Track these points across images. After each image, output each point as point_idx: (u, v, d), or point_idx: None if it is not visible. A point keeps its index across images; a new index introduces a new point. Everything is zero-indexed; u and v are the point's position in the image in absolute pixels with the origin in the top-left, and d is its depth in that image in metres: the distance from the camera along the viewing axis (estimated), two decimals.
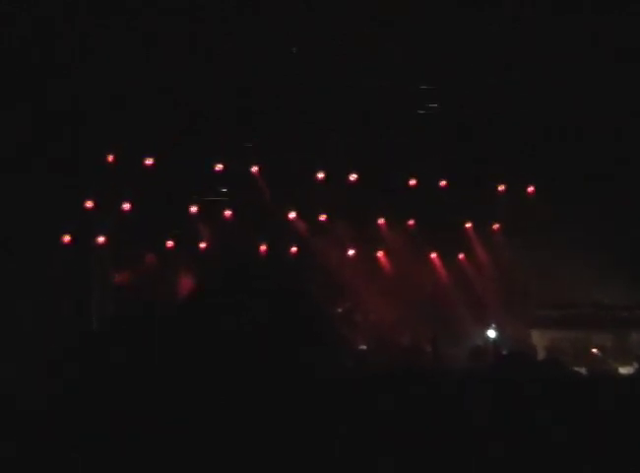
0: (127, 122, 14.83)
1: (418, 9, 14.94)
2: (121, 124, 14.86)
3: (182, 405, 2.80)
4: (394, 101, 15.88)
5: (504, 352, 13.06)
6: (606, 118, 15.65)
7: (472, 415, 3.50)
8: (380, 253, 17.51)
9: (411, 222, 17.23)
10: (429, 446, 3.29)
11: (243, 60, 15.08)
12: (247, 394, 2.81)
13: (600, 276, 15.65)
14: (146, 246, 15.99)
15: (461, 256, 17.65)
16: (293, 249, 16.92)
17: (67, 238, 15.18)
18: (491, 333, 16.21)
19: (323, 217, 16.87)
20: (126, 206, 15.66)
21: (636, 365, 14.83)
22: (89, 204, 15.33)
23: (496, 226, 17.50)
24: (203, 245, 16.42)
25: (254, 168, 16.40)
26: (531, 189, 17.07)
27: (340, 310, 15.88)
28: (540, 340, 15.76)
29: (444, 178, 16.87)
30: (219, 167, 16.03)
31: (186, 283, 14.85)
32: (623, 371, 14.12)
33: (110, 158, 15.27)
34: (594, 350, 15.56)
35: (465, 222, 17.48)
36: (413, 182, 16.84)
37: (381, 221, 17.29)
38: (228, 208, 16.46)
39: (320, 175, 16.59)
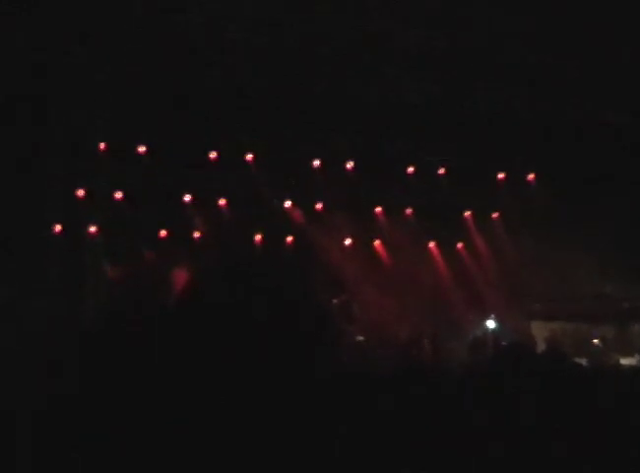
0: (119, 109, 14.69)
1: None
2: (113, 111, 14.74)
3: (182, 405, 2.75)
4: (392, 87, 15.80)
5: (504, 343, 12.94)
6: (608, 106, 15.67)
7: (472, 412, 3.48)
8: (377, 243, 17.36)
9: (409, 211, 17.10)
10: (429, 446, 3.26)
11: (238, 46, 14.94)
12: (247, 394, 2.75)
13: (601, 266, 15.61)
14: (139, 237, 15.81)
15: (460, 246, 17.54)
16: (289, 239, 16.76)
17: (58, 228, 15.01)
18: (491, 324, 16.09)
19: (319, 206, 16.73)
20: (118, 195, 15.47)
21: (638, 356, 14.83)
22: (80, 193, 15.17)
23: (496, 215, 17.39)
24: (197, 235, 16.25)
25: (249, 156, 16.21)
26: (531, 177, 17.01)
27: (336, 302, 15.72)
28: (540, 331, 15.68)
29: (443, 166, 16.79)
30: (213, 155, 15.87)
31: (181, 276, 14.63)
32: (625, 362, 14.05)
33: (102, 145, 15.11)
34: (595, 341, 15.47)
35: (464, 211, 17.35)
36: (411, 170, 16.74)
37: (379, 210, 17.13)
38: (223, 197, 16.27)
39: (316, 163, 16.45)
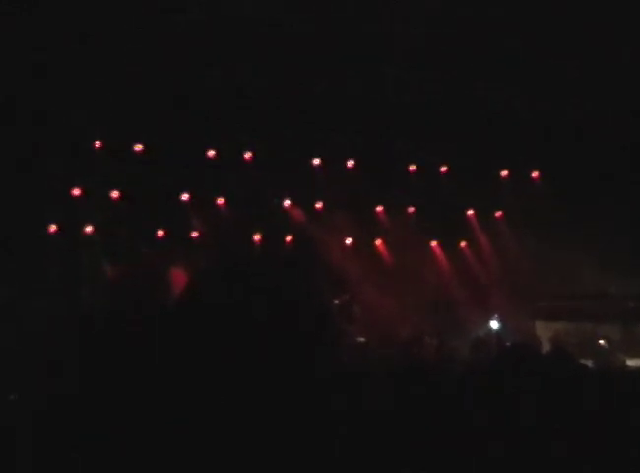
0: (119, 109, 14.67)
1: None
2: (113, 111, 14.71)
3: (182, 405, 2.76)
4: (393, 85, 15.77)
5: (507, 344, 12.88)
6: (608, 106, 15.64)
7: (472, 412, 3.48)
8: (379, 242, 17.30)
9: (410, 210, 17.05)
10: (429, 446, 3.27)
11: (236, 44, 14.91)
12: (247, 394, 2.76)
13: (606, 265, 15.51)
14: (138, 237, 15.76)
15: (463, 245, 17.48)
16: (289, 239, 16.71)
17: (56, 228, 14.96)
18: (494, 324, 16.00)
19: (319, 205, 16.68)
20: (115, 194, 15.43)
21: None
22: (76, 192, 15.12)
23: (499, 214, 17.34)
24: (195, 235, 16.20)
25: (248, 155, 16.18)
26: (535, 175, 16.96)
27: (337, 302, 15.66)
28: (544, 332, 15.52)
29: (445, 164, 16.75)
30: (211, 152, 15.83)
31: (179, 276, 14.62)
32: (632, 363, 13.90)
33: (98, 144, 15.07)
34: (601, 341, 15.31)
35: (466, 210, 17.30)
36: (412, 168, 16.70)
37: (380, 209, 17.08)
38: (222, 196, 16.23)
39: (316, 162, 16.42)
